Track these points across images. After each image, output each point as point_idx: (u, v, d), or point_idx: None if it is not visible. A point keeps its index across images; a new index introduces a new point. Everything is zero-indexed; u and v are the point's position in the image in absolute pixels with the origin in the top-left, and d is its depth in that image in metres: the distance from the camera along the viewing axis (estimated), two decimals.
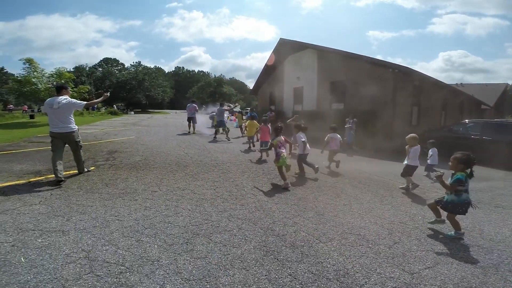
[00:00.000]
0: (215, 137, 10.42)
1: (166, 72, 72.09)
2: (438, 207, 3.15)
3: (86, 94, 16.49)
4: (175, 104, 57.29)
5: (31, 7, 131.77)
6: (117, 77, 44.66)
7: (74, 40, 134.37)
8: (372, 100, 12.49)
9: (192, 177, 4.92)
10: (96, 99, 5.10)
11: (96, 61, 52.29)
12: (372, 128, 12.05)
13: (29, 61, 14.72)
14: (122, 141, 8.62)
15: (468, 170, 2.94)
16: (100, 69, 50.20)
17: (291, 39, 17.36)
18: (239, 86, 64.81)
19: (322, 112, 14.84)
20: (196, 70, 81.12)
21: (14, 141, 8.09)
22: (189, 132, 12.14)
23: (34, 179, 4.29)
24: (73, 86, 15.76)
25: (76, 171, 4.78)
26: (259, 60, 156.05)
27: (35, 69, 14.85)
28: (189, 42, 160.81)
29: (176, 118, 26.38)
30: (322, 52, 15.51)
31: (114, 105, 33.45)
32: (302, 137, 5.74)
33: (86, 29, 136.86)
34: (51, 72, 15.18)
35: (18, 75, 15.21)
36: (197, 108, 13.82)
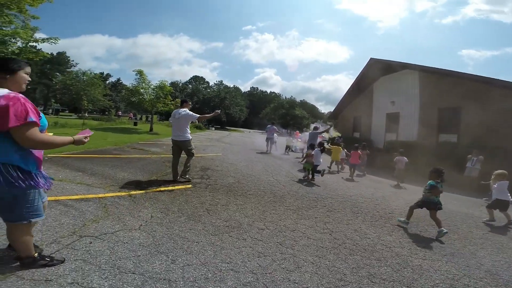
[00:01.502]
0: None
1: (242, 91, 76.53)
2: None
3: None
4: (248, 123, 59.63)
5: (141, 27, 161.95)
6: (204, 94, 49.40)
7: (171, 59, 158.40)
8: (498, 132, 9.46)
9: (295, 214, 3.97)
10: (207, 114, 5.41)
11: (187, 78, 59.59)
12: (499, 166, 8.94)
13: (140, 73, 16.93)
14: (211, 157, 8.43)
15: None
16: (190, 86, 56.75)
17: (383, 58, 15.21)
18: (309, 108, 63.23)
19: (425, 144, 12.11)
20: (269, 91, 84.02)
21: (119, 145, 8.75)
22: (267, 151, 12.36)
23: (135, 192, 3.95)
24: (171, 99, 17.38)
25: (172, 187, 4.44)
26: (330, 82, 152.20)
27: (144, 80, 16.95)
28: (262, 64, 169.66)
29: (251, 137, 26.77)
30: (426, 73, 12.99)
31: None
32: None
33: (180, 48, 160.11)
34: (156, 84, 17.10)
35: (130, 84, 17.78)
36: (277, 130, 14.12)
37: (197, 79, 61.62)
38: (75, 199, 3.34)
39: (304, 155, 7.86)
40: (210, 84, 61.29)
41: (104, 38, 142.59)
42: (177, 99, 18.10)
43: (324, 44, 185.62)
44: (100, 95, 27.20)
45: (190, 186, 4.70)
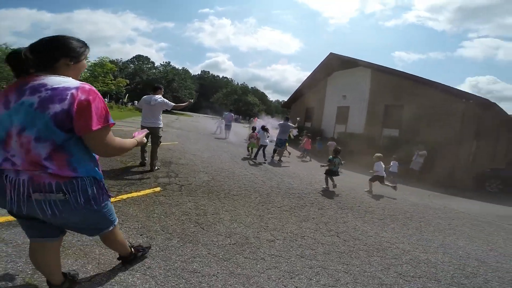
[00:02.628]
0: (273, 158, 8.23)
1: (192, 74, 72.18)
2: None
3: (124, 88, 15.45)
4: (196, 107, 56.63)
5: (80, 1, 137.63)
6: (148, 75, 44.36)
7: (111, 36, 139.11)
8: (434, 130, 10.88)
9: (292, 215, 3.65)
10: (181, 103, 5.32)
11: (127, 58, 52.52)
12: (432, 162, 10.32)
13: None
14: (168, 147, 7.18)
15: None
16: (132, 65, 50.33)
17: (342, 54, 15.87)
18: (259, 96, 63.55)
19: (371, 136, 13.22)
20: (221, 76, 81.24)
21: None
22: (225, 138, 12.40)
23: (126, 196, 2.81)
24: (112, 79, 14.80)
25: (136, 193, 3.42)
26: (278, 72, 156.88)
27: None
28: (215, 48, 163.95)
29: (201, 122, 25.10)
30: (377, 72, 13.96)
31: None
32: None
33: (124, 26, 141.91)
34: (94, 61, 14.19)
35: None
36: (234, 117, 14.75)
37: (140, 59, 54.83)
38: None
39: (248, 137, 8.61)
40: (155, 65, 55.46)
41: (31, 12, 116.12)
42: (120, 79, 15.56)
43: (278, 34, 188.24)
44: None
45: (159, 189, 3.71)
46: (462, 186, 9.81)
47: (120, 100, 32.20)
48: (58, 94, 1.09)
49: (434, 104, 11.08)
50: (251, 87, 66.86)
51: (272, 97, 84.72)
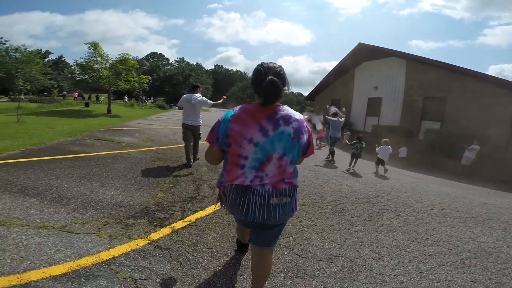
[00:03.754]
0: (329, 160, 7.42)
1: (205, 69, 71.77)
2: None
3: (147, 85, 15.08)
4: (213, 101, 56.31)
5: (90, 2, 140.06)
6: (164, 71, 44.36)
7: (123, 35, 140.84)
8: (482, 123, 9.80)
9: (377, 225, 3.27)
10: (218, 100, 5.31)
11: (141, 56, 52.27)
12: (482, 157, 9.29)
13: (95, 46, 13.41)
14: (203, 148, 6.68)
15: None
16: (147, 63, 50.53)
17: (371, 44, 14.68)
18: None
19: (408, 129, 12.22)
20: (235, 69, 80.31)
21: (76, 135, 6.44)
22: None
23: (157, 235, 2.31)
24: (135, 76, 14.43)
25: (203, 212, 2.89)
26: (290, 63, 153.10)
27: (100, 54, 13.57)
28: (225, 43, 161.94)
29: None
30: (413, 62, 12.80)
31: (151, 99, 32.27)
32: None
33: (135, 25, 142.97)
34: (116, 58, 13.78)
35: (81, 60, 14.01)
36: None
37: (155, 56, 54.93)
38: (51, 277, 1.63)
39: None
40: (169, 61, 55.36)
41: (44, 15, 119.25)
42: (142, 76, 15.11)
43: (288, 26, 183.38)
44: (39, 74, 21.63)
45: (218, 206, 3.16)
46: None
47: (140, 97, 32.28)
48: (302, 125, 1.35)
49: (481, 96, 10.15)
50: None
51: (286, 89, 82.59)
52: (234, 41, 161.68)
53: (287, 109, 1.35)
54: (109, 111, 14.68)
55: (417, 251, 2.69)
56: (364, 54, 15.11)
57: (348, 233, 2.88)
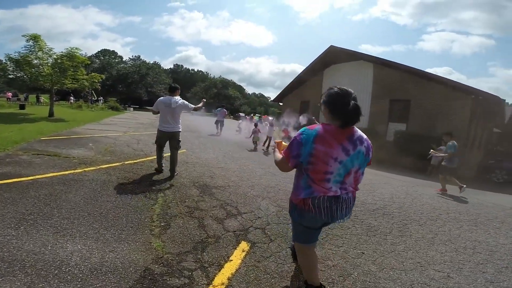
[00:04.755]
0: None
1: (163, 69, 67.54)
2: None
3: (99, 84, 12.95)
4: None
5: None
6: (118, 70, 40.06)
7: (71, 32, 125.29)
8: (443, 124, 10.62)
9: (419, 241, 3.12)
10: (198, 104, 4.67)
11: (90, 53, 46.43)
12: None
13: (35, 38, 10.92)
14: (180, 157, 5.64)
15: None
16: (97, 60, 45.25)
17: (342, 47, 15.00)
18: (237, 89, 61.28)
19: (376, 131, 12.64)
20: (196, 69, 77.14)
21: (5, 148, 4.81)
22: (217, 133, 12.29)
23: (226, 275, 1.73)
24: (85, 73, 12.23)
25: (233, 259, 1.98)
26: (252, 65, 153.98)
27: (41, 48, 11.11)
28: (186, 42, 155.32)
29: (189, 119, 23.08)
30: (381, 66, 13.32)
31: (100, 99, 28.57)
32: None
33: (85, 21, 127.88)
34: (61, 53, 11.43)
35: (16, 53, 11.26)
36: (227, 113, 15.02)
37: (106, 53, 49.41)
38: None
39: (252, 132, 9.84)
40: (123, 59, 50.55)
41: None
42: (93, 74, 12.89)
43: (252, 27, 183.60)
44: None
45: (247, 246, 2.44)
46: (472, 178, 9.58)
47: (90, 98, 28.55)
48: (369, 144, 1.64)
49: (442, 99, 10.98)
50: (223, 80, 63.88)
51: (247, 90, 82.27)
52: (196, 40, 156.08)
53: (358, 130, 1.61)
54: (51, 114, 12.22)
55: (468, 261, 2.70)
56: (333, 57, 15.34)
57: (398, 255, 2.68)
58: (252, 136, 9.69)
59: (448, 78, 11.70)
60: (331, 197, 1.54)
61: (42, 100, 25.84)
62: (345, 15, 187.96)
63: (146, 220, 2.70)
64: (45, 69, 11.18)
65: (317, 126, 1.54)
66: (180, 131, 4.36)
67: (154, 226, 2.60)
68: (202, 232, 2.61)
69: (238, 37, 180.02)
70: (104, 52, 49.84)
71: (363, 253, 2.60)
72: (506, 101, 17.74)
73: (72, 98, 27.49)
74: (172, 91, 4.35)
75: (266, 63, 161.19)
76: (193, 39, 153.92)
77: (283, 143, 1.98)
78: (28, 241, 2.05)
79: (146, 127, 11.84)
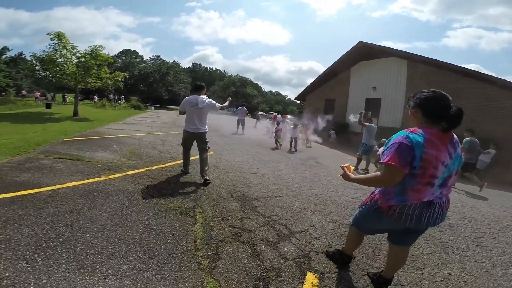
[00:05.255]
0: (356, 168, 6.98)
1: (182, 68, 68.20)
2: None
3: (122, 83, 12.82)
4: None
5: None
6: (140, 69, 40.68)
7: (94, 33, 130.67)
8: (491, 126, 9.44)
9: (488, 259, 2.72)
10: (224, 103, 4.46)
11: (112, 53, 47.40)
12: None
13: (59, 36, 10.86)
14: (211, 163, 5.12)
15: None
16: (120, 60, 46.28)
17: (372, 42, 13.99)
18: (254, 87, 60.63)
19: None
20: (214, 68, 77.59)
21: (27, 151, 4.49)
22: (237, 132, 11.99)
23: None
24: (108, 72, 12.12)
25: None
26: (268, 63, 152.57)
27: (65, 46, 11.01)
28: (203, 41, 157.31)
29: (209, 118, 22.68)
30: (416, 63, 12.17)
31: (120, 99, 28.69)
32: None
33: (107, 23, 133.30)
34: (84, 51, 11.34)
35: (41, 52, 11.22)
36: (247, 112, 14.54)
37: (128, 53, 50.34)
38: None
39: (275, 130, 9.76)
40: (144, 59, 51.37)
41: (7, 12, 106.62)
42: (117, 72, 12.81)
43: (268, 25, 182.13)
44: None
45: (316, 279, 1.81)
46: None
47: (113, 97, 29.10)
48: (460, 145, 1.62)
49: (489, 99, 9.79)
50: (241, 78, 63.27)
51: (263, 88, 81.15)
52: (212, 39, 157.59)
53: (453, 133, 1.58)
54: (75, 113, 12.26)
55: None
56: (362, 53, 14.33)
57: (488, 274, 2.43)
58: (275, 134, 9.65)
59: (490, 74, 10.28)
60: (423, 203, 1.53)
61: (67, 99, 26.63)
62: (364, 11, 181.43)
63: (189, 248, 2.17)
64: (70, 68, 11.13)
65: (420, 130, 1.49)
66: (206, 132, 4.11)
67: (201, 256, 2.07)
68: (257, 264, 2.06)
69: (254, 36, 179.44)
70: (126, 52, 50.91)
71: (450, 274, 2.33)
72: None
73: (96, 97, 28.12)
74: (198, 90, 4.06)
75: (282, 61, 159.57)
76: (210, 38, 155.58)
77: (350, 166, 1.90)
78: (49, 281, 1.56)
79: (169, 126, 11.55)
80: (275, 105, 65.80)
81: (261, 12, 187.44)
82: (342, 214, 3.40)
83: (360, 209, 1.88)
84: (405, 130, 1.53)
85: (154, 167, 4.39)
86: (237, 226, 2.67)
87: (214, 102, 4.09)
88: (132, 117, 14.90)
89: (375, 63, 14.08)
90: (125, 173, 3.91)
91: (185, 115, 4.07)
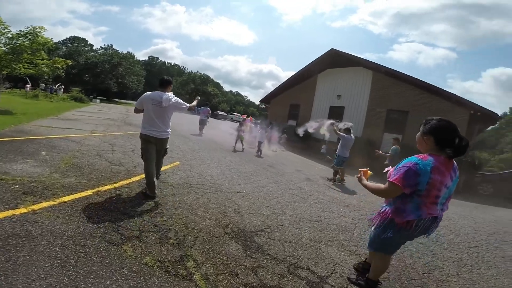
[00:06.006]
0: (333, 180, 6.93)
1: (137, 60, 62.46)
2: None
3: (63, 70, 10.39)
4: (140, 95, 48.98)
5: None
6: (87, 58, 35.24)
7: (40, 18, 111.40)
8: None
9: None
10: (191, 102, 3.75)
11: (56, 40, 40.16)
12: None
13: None
14: (176, 173, 4.10)
15: None
16: (64, 47, 39.71)
17: (343, 50, 14.26)
18: (215, 86, 58.79)
19: (371, 140, 12.03)
20: (172, 63, 72.90)
21: None
22: (200, 134, 11.27)
23: None
24: (46, 57, 9.65)
25: None
26: (230, 62, 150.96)
27: None
28: (164, 35, 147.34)
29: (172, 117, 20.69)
30: (380, 74, 12.72)
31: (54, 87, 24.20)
32: None
33: (58, 8, 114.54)
34: (19, 32, 8.75)
35: None
36: (210, 112, 13.90)
37: (75, 40, 43.47)
38: None
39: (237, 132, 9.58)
40: (94, 48, 45.25)
41: None
42: (57, 58, 10.36)
43: (235, 24, 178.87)
44: None
45: None
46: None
47: (49, 86, 24.63)
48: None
49: (440, 112, 10.58)
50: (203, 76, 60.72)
51: (224, 87, 79.35)
52: (174, 34, 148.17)
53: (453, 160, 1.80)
54: None
55: None
56: (330, 61, 14.52)
57: None
58: (237, 134, 9.46)
59: (447, 90, 11.23)
60: (433, 217, 1.79)
61: None
62: (326, 20, 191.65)
63: None
64: None
65: (430, 158, 1.70)
66: (169, 137, 3.50)
67: None
68: None
69: (219, 34, 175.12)
70: (73, 39, 44.10)
71: None
72: None
73: (28, 86, 23.44)
74: (164, 86, 3.40)
75: (244, 62, 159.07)
76: (172, 32, 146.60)
77: (369, 171, 2.06)
78: None
79: (118, 124, 9.78)
80: (235, 105, 64.86)
81: (230, 11, 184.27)
82: (354, 241, 3.17)
83: (375, 231, 2.01)
84: (416, 156, 1.74)
85: (103, 189, 3.19)
86: (254, 284, 1.89)
87: (181, 101, 3.44)
88: (71, 111, 12.43)
89: (342, 72, 14.38)
90: (59, 200, 2.68)
91: (141, 114, 3.38)
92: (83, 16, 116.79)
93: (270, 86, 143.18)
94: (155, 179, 3.26)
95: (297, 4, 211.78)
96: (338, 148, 6.89)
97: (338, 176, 6.96)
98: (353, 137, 7.06)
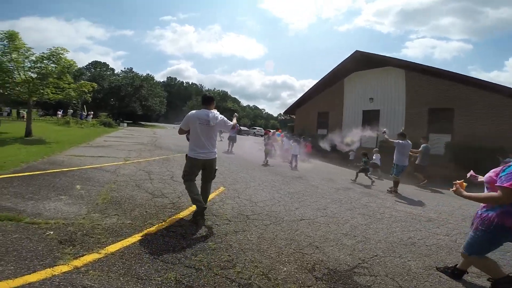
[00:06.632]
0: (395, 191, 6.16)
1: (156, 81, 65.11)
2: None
3: (89, 95, 10.45)
4: (167, 117, 50.53)
5: (28, 8, 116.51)
6: (110, 81, 37.03)
7: (62, 45, 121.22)
8: (497, 134, 9.12)
9: None
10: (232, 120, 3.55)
11: (80, 66, 43.02)
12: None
13: (11, 36, 8.45)
14: (225, 202, 3.54)
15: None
16: (88, 72, 42.23)
17: (368, 51, 13.42)
18: (234, 101, 59.52)
19: (414, 142, 10.86)
20: (190, 82, 75.15)
21: None
22: (229, 151, 11.01)
23: None
24: (72, 81, 9.77)
25: None
26: (243, 77, 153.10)
27: (16, 48, 8.51)
28: (177, 56, 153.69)
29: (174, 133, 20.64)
30: (414, 72, 11.71)
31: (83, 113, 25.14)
32: None
33: (76, 35, 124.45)
34: (42, 54, 8.92)
35: None
36: (239, 128, 12.65)
37: (98, 65, 46.35)
38: None
39: (265, 143, 9.91)
40: (115, 72, 47.73)
41: None
42: (83, 82, 10.47)
43: (243, 39, 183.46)
44: None
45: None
46: None
47: (79, 112, 25.78)
48: None
49: (494, 108, 9.56)
50: (220, 93, 61.67)
51: (241, 102, 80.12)
52: (187, 54, 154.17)
53: None
54: (28, 133, 9.68)
55: None
56: (355, 63, 13.70)
57: None
58: (265, 148, 9.46)
59: (496, 83, 10.07)
60: None
61: (23, 115, 22.96)
62: (332, 25, 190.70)
63: None
64: (21, 74, 8.71)
65: None
66: (216, 157, 3.25)
67: None
68: None
69: (230, 50, 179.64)
70: (95, 64, 46.99)
71: None
72: None
73: (60, 112, 24.67)
74: (207, 103, 3.19)
75: (257, 75, 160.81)
76: (184, 53, 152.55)
77: (464, 183, 2.09)
78: None
79: (149, 149, 9.47)
80: (254, 119, 64.86)
81: (237, 26, 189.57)
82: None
83: (476, 235, 2.05)
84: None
85: (152, 230, 2.62)
86: None
87: (226, 119, 3.27)
88: (102, 136, 12.52)
89: (370, 73, 13.50)
90: (105, 251, 2.12)
91: (185, 135, 3.17)
92: (101, 42, 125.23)
93: (286, 96, 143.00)
94: (200, 197, 3.02)
95: (301, 12, 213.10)
96: (395, 157, 6.20)
97: (390, 187, 6.28)
98: (410, 142, 6.22)
